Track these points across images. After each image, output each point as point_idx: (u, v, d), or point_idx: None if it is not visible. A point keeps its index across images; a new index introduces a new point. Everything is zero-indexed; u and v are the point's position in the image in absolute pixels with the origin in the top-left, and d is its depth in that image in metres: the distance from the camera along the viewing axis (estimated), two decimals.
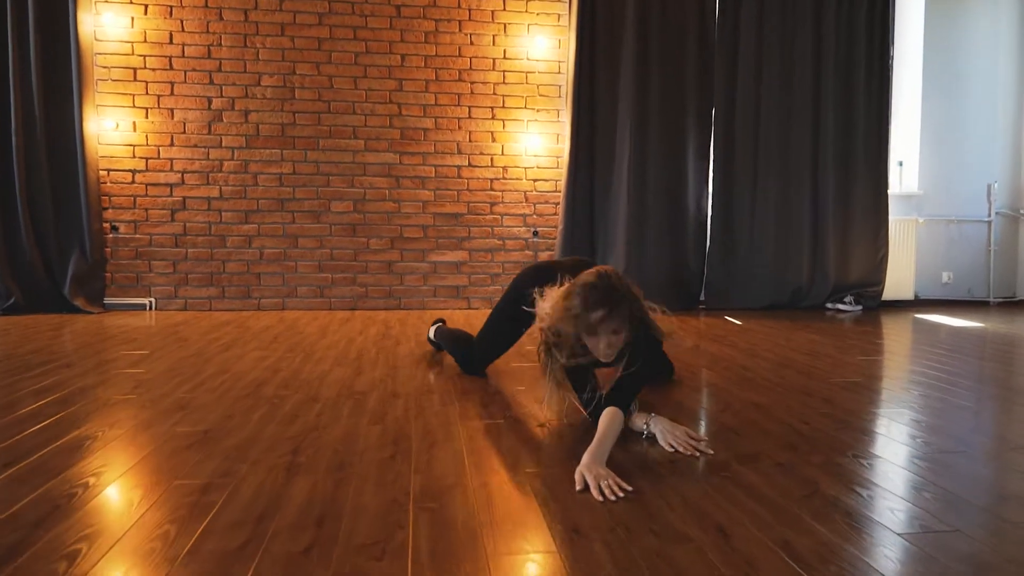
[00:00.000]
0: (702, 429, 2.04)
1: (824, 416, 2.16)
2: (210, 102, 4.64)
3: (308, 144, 4.74)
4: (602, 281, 1.89)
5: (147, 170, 4.63)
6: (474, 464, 1.71)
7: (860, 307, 5.01)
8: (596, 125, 4.86)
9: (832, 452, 1.81)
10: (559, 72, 4.92)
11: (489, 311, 2.82)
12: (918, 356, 3.25)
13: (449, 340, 2.92)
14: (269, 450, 1.80)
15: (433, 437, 1.93)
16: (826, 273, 5.04)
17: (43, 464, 1.68)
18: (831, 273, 5.04)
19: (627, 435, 1.92)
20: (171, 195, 4.65)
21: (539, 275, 2.31)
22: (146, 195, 4.64)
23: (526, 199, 4.95)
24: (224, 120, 4.66)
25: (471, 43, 4.83)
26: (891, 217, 5.17)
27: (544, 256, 4.97)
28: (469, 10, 4.82)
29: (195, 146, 4.65)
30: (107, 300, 4.63)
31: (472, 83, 4.85)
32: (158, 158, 4.64)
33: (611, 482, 1.55)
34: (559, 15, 4.90)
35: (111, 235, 4.63)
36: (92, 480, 1.58)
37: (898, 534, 1.33)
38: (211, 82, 4.64)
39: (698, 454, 1.78)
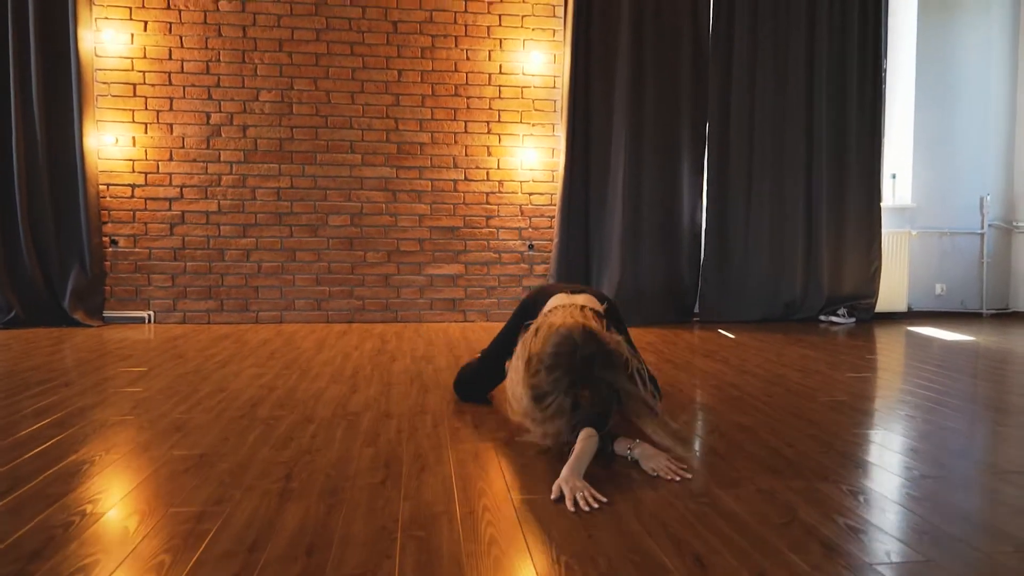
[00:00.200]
0: (695, 446, 2.08)
1: (809, 438, 2.20)
2: (209, 117, 4.69)
3: (306, 158, 4.79)
4: (567, 360, 1.89)
5: (146, 184, 4.68)
6: (462, 489, 1.75)
7: (853, 319, 5.05)
8: (591, 139, 4.90)
9: (813, 477, 1.85)
10: (554, 87, 4.97)
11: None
12: (907, 373, 3.29)
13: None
14: (263, 475, 1.84)
15: (424, 460, 1.97)
16: (820, 285, 5.08)
17: (41, 491, 1.72)
18: (825, 285, 5.08)
19: (613, 458, 1.96)
20: (170, 209, 4.70)
21: (533, 309, 2.36)
22: (145, 209, 4.69)
23: (522, 212, 5.00)
24: (223, 135, 4.71)
25: (467, 58, 4.88)
26: (884, 229, 5.21)
27: (539, 270, 5.01)
28: (465, 26, 4.87)
29: (194, 161, 4.70)
30: (106, 313, 4.67)
31: (468, 98, 4.90)
32: (157, 172, 4.68)
33: (586, 494, 1.65)
34: (554, 30, 4.95)
35: (111, 249, 4.67)
36: (89, 507, 1.62)
37: (871, 564, 1.37)
38: (210, 97, 4.69)
39: (678, 479, 1.82)
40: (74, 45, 4.46)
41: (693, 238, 5.04)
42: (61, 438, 2.14)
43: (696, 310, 5.08)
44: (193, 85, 4.67)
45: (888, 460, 2.00)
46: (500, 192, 4.97)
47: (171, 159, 4.69)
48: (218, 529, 1.50)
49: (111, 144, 4.63)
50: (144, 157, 4.67)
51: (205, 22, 4.66)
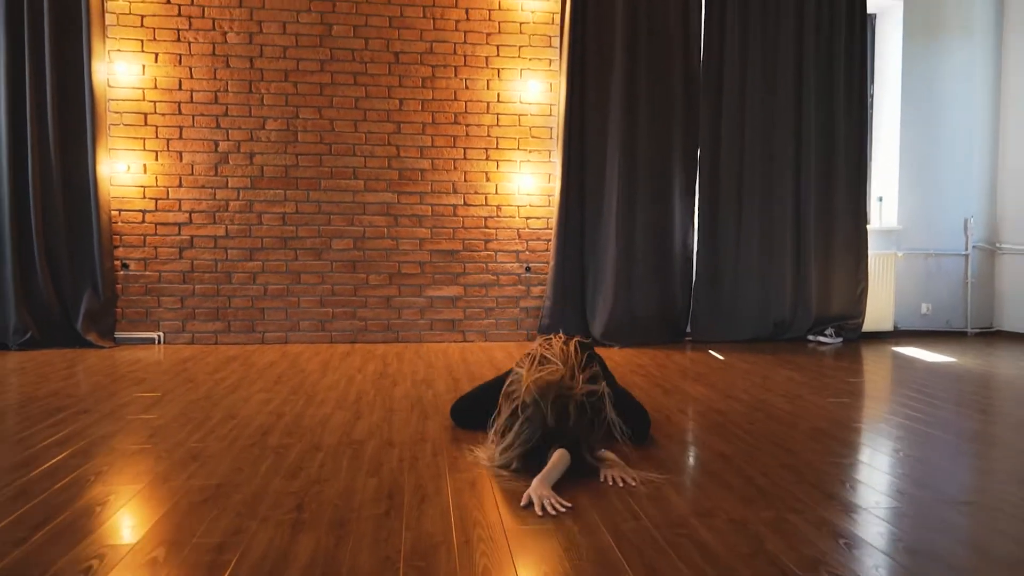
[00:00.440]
0: (686, 467, 2.24)
1: (784, 468, 2.36)
2: (217, 145, 4.87)
3: (310, 184, 4.96)
4: (539, 410, 2.25)
5: (156, 210, 4.85)
6: (459, 519, 1.91)
7: (841, 339, 5.21)
8: (586, 165, 5.08)
9: (782, 508, 2.01)
10: (550, 114, 5.15)
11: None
12: (885, 399, 3.45)
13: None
14: (275, 506, 2.00)
15: (424, 491, 2.13)
16: (808, 306, 5.24)
17: (73, 522, 1.88)
18: (813, 306, 5.24)
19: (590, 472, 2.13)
20: (179, 234, 4.87)
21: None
22: (155, 234, 4.86)
23: (519, 236, 5.17)
24: (230, 162, 4.88)
25: (466, 87, 5.06)
26: (871, 251, 5.38)
27: (536, 291, 5.17)
28: (464, 56, 5.04)
29: (202, 187, 4.87)
30: (118, 334, 4.84)
31: (467, 125, 5.07)
32: (167, 198, 4.86)
33: (552, 500, 1.96)
34: (550, 60, 5.12)
35: (122, 272, 4.84)
36: (119, 539, 1.78)
37: None
38: (218, 126, 4.86)
39: (621, 485, 2.15)
40: (88, 76, 4.64)
41: (685, 260, 5.20)
42: (86, 467, 2.30)
43: (688, 330, 5.24)
44: (202, 114, 4.84)
45: (850, 488, 2.16)
46: (498, 216, 5.14)
47: (180, 185, 4.86)
48: (238, 560, 1.66)
49: (123, 171, 4.80)
50: (155, 184, 4.84)
51: (214, 54, 4.84)
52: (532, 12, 5.08)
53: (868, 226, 5.37)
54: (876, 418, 3.08)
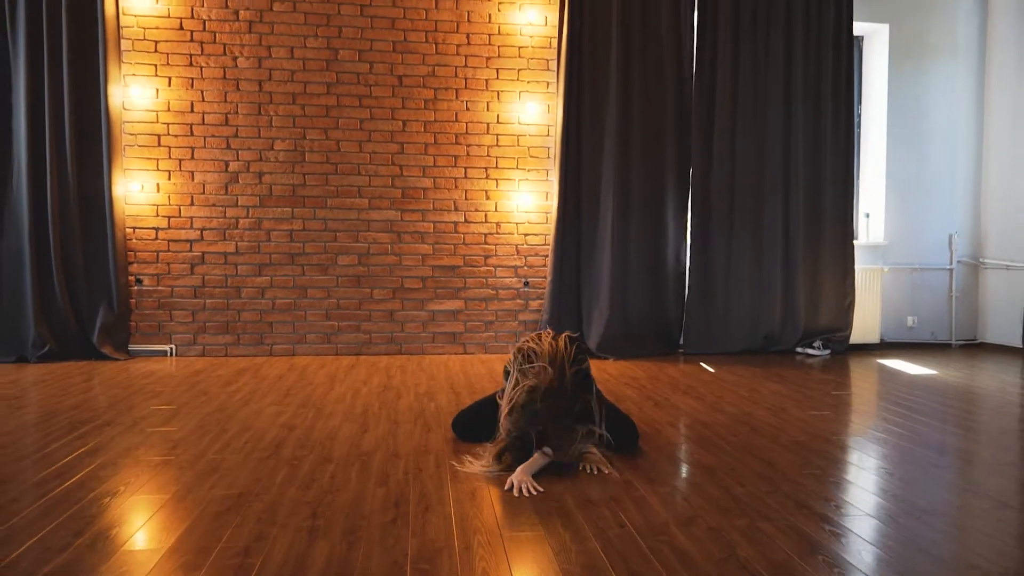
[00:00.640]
0: (670, 477, 2.42)
1: (760, 478, 2.55)
2: (227, 165, 5.07)
3: (317, 203, 5.16)
4: (535, 420, 2.51)
5: (169, 227, 5.05)
6: (460, 526, 2.10)
7: (828, 351, 5.39)
8: (582, 183, 5.27)
9: (756, 516, 2.19)
10: (548, 135, 5.35)
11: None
12: (864, 412, 3.63)
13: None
14: (292, 514, 2.18)
15: (428, 500, 2.31)
16: (796, 320, 5.43)
17: (106, 530, 2.06)
18: (801, 319, 5.43)
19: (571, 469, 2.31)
20: (191, 250, 5.07)
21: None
22: (168, 250, 5.05)
23: (517, 252, 5.36)
24: (240, 181, 5.08)
25: (467, 109, 5.26)
26: (858, 266, 5.57)
27: (535, 305, 5.36)
28: (465, 79, 5.25)
29: (213, 205, 5.07)
30: (131, 347, 5.03)
31: (468, 146, 5.27)
32: (179, 216, 5.05)
33: (528, 484, 2.35)
34: (548, 83, 5.33)
35: (136, 287, 5.04)
36: (154, 544, 1.96)
37: None
38: (228, 147, 5.06)
39: (596, 472, 2.53)
40: (104, 100, 4.84)
41: (678, 275, 5.39)
42: (115, 479, 2.49)
43: (681, 343, 5.43)
44: (213, 135, 5.04)
45: (821, 499, 2.34)
46: (497, 233, 5.33)
47: (192, 204, 5.06)
48: (261, 564, 1.85)
49: (137, 190, 5.00)
50: (167, 202, 5.04)
51: (224, 77, 5.04)
52: (531, 37, 5.29)
53: (855, 241, 5.56)
54: (853, 430, 3.26)
